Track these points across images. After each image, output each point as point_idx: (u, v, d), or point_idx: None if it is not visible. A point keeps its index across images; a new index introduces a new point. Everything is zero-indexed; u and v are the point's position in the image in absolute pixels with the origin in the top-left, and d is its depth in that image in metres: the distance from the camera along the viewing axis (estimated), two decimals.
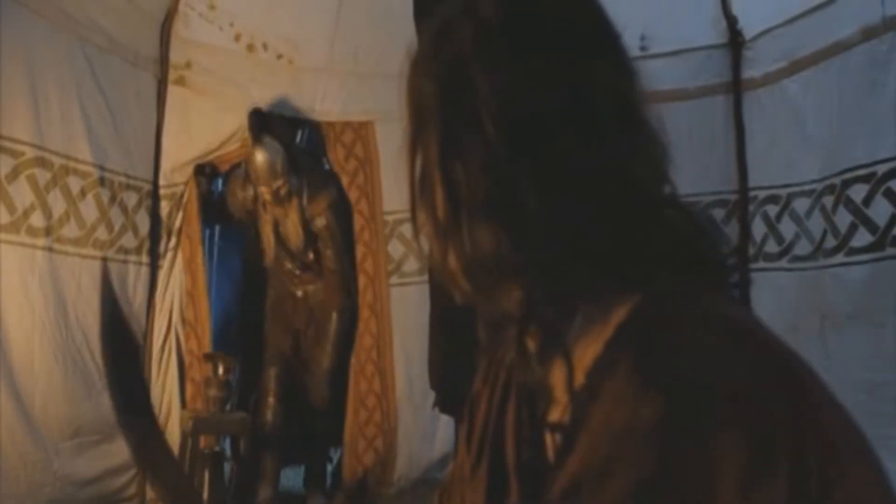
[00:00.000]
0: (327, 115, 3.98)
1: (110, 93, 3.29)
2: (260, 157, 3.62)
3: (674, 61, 3.55)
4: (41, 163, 2.95)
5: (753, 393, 0.53)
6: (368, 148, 3.99)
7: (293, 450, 3.98)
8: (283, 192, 3.69)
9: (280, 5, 3.78)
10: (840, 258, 2.94)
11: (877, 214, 2.78)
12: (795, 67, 3.21)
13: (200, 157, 3.77)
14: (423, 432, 3.87)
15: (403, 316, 3.90)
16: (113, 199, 3.33)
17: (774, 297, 3.09)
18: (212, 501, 3.15)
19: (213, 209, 3.97)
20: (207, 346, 3.74)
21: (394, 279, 3.99)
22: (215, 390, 3.40)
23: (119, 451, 3.13)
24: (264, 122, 3.70)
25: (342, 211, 3.92)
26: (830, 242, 2.99)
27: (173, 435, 3.50)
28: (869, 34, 2.81)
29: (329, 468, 4.08)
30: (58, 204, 3.04)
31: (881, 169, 2.76)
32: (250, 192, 3.81)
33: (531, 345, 0.65)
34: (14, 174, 2.85)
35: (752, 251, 3.42)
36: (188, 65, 3.67)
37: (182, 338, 3.72)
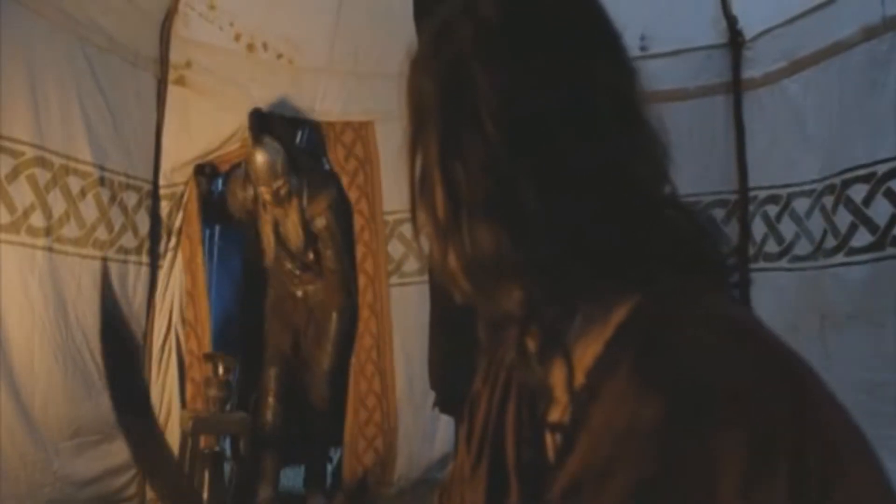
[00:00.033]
0: (327, 115, 3.97)
1: (110, 93, 3.29)
2: (260, 157, 3.62)
3: (674, 61, 3.55)
4: (41, 163, 2.95)
5: (754, 393, 0.53)
6: (368, 148, 3.98)
7: (293, 450, 3.98)
8: (283, 192, 3.69)
9: (280, 5, 3.78)
10: (840, 258, 2.94)
11: (877, 214, 2.78)
12: (795, 67, 3.21)
13: (200, 157, 3.77)
14: (423, 432, 3.87)
15: (403, 316, 3.90)
16: (113, 199, 3.33)
17: (774, 297, 3.09)
18: (212, 501, 3.15)
19: (213, 209, 3.96)
20: (207, 346, 3.73)
21: (394, 279, 3.98)
22: (215, 390, 3.40)
23: (119, 451, 3.13)
24: (264, 123, 3.70)
25: (342, 211, 3.92)
26: (830, 242, 2.99)
27: (173, 435, 3.50)
28: (869, 34, 2.81)
29: (329, 468, 4.08)
30: (58, 204, 3.04)
31: (881, 169, 2.76)
32: (250, 192, 3.81)
33: (531, 345, 0.65)
34: (14, 174, 2.85)
35: (752, 251, 3.42)
36: (188, 64, 3.67)
37: (182, 338, 3.72)
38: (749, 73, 3.50)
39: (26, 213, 2.90)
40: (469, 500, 0.75)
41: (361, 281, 3.95)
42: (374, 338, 3.96)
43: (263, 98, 3.78)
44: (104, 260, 3.25)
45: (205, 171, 3.86)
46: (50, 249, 2.99)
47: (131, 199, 3.45)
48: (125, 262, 3.42)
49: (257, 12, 3.79)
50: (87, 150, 3.18)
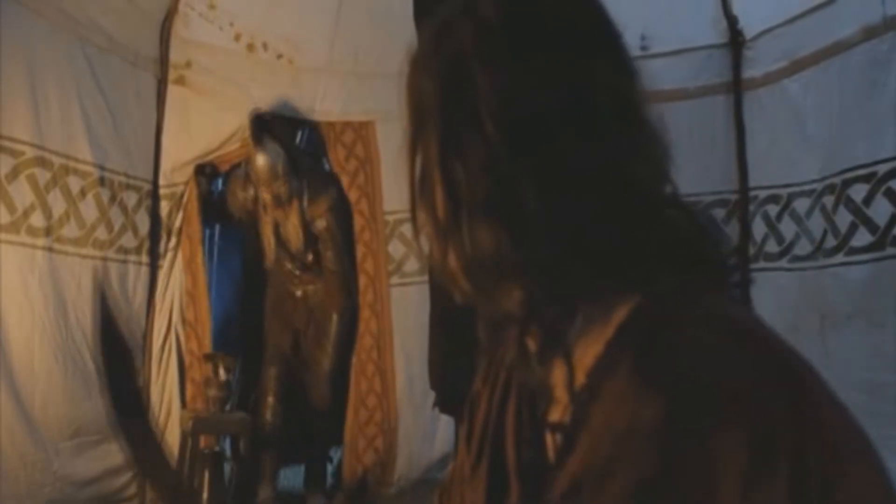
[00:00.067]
0: (327, 115, 3.97)
1: (110, 93, 3.29)
2: (261, 159, 3.62)
3: (674, 61, 3.54)
4: (41, 162, 2.95)
5: (754, 393, 0.52)
6: (369, 148, 3.98)
7: (293, 449, 3.98)
8: (283, 194, 3.70)
9: (280, 5, 3.78)
10: (840, 258, 2.94)
11: (877, 214, 2.78)
12: (796, 67, 3.21)
13: (200, 157, 3.77)
14: (424, 432, 3.87)
15: (404, 316, 3.90)
16: (113, 198, 3.33)
17: (774, 297, 3.09)
18: (212, 501, 3.15)
19: (214, 209, 3.96)
20: (208, 347, 3.73)
21: (394, 279, 3.98)
22: (215, 390, 3.40)
23: (119, 451, 3.13)
24: (265, 125, 3.70)
25: (342, 212, 3.92)
26: (830, 242, 2.99)
27: (173, 435, 3.50)
28: (869, 34, 2.81)
29: (329, 468, 4.08)
30: (58, 204, 3.04)
31: (882, 169, 2.76)
32: (251, 192, 3.81)
33: (531, 345, 0.65)
34: (14, 174, 2.85)
35: (752, 251, 3.42)
36: (188, 64, 3.67)
37: (182, 338, 3.71)
38: (749, 72, 3.50)
39: (26, 213, 2.90)
40: (469, 500, 0.75)
41: (362, 281, 3.94)
42: (375, 338, 3.96)
43: (263, 98, 3.78)
44: (104, 260, 3.25)
45: (205, 172, 3.86)
46: (50, 249, 2.99)
47: (131, 199, 3.45)
48: (125, 262, 3.42)
49: (257, 12, 3.79)
50: (87, 150, 3.18)
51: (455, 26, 0.64)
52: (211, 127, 3.73)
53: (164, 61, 3.59)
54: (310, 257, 3.88)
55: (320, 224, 3.82)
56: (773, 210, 3.35)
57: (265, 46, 3.83)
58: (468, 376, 0.83)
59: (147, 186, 3.56)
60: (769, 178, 3.39)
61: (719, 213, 3.54)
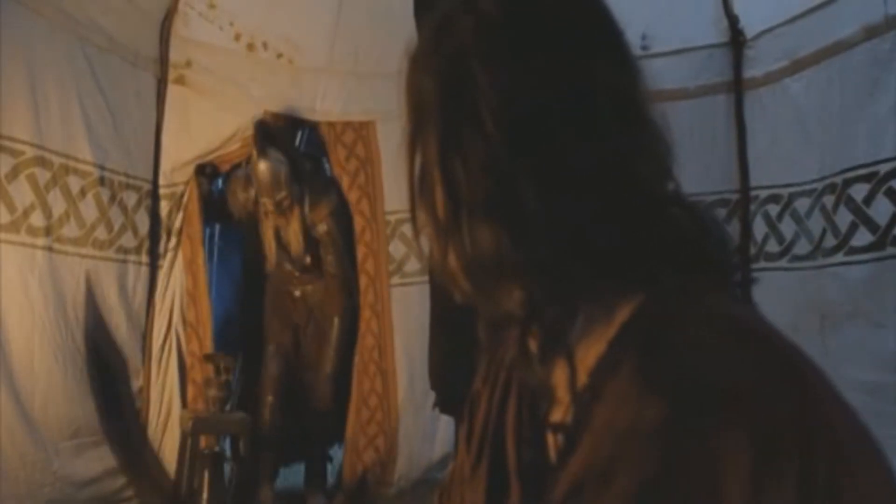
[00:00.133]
0: (327, 115, 3.97)
1: (110, 92, 3.29)
2: (264, 169, 3.63)
3: (675, 60, 3.54)
4: (41, 162, 2.95)
5: (758, 392, 0.52)
6: (369, 148, 3.98)
7: (293, 449, 3.98)
8: (285, 203, 3.71)
9: (280, 5, 3.78)
10: (840, 257, 2.94)
11: (878, 214, 2.78)
12: (797, 66, 3.21)
13: (201, 157, 3.77)
14: (424, 432, 3.86)
15: (405, 316, 3.90)
16: (113, 198, 3.33)
17: (775, 297, 3.08)
18: (212, 501, 3.14)
19: (214, 209, 3.96)
20: (209, 347, 3.73)
21: (395, 279, 3.98)
22: (216, 391, 3.40)
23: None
24: (268, 133, 3.70)
25: (343, 216, 3.92)
26: (830, 242, 2.98)
27: (173, 435, 3.50)
28: (871, 33, 2.80)
29: (329, 468, 4.07)
30: (58, 203, 3.04)
31: (883, 168, 2.75)
32: (251, 193, 3.81)
33: (532, 345, 0.64)
34: (14, 174, 2.85)
35: (752, 251, 3.41)
36: (188, 64, 3.67)
37: (183, 339, 3.71)
38: (750, 72, 3.49)
39: (26, 213, 2.90)
40: (469, 501, 0.75)
41: (363, 281, 3.94)
42: (376, 338, 3.96)
43: (263, 98, 3.78)
44: (104, 260, 3.25)
45: (205, 171, 3.86)
46: (50, 249, 2.99)
47: (131, 198, 3.45)
48: (125, 261, 3.42)
49: (257, 12, 3.79)
50: (87, 150, 3.18)
51: (455, 24, 0.64)
52: (211, 127, 3.73)
53: (164, 61, 3.59)
54: (308, 260, 3.88)
55: (321, 228, 3.83)
56: (773, 210, 3.35)
57: (265, 46, 3.83)
58: (468, 376, 0.83)
59: (147, 186, 3.56)
60: (770, 177, 3.39)
61: (720, 212, 3.54)
